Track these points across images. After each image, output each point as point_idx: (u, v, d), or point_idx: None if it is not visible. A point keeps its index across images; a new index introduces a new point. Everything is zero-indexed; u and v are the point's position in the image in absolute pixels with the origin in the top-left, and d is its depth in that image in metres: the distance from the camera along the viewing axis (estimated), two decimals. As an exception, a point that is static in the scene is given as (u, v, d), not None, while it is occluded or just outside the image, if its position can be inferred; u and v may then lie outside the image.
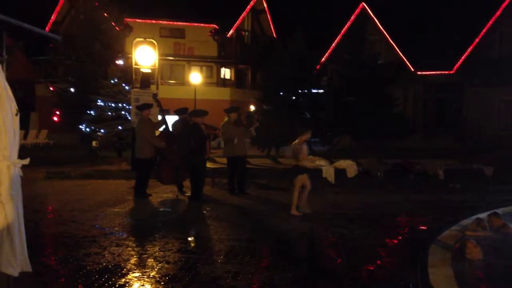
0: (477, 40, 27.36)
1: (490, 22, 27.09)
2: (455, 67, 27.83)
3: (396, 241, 7.85)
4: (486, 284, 5.57)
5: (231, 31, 33.99)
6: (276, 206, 10.71)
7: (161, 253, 6.75)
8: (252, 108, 30.67)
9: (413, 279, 5.57)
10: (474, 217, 8.53)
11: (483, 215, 8.96)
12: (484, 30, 27.25)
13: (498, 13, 26.91)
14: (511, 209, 10.14)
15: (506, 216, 8.81)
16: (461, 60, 27.70)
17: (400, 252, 7.26)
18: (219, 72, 35.01)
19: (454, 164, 17.40)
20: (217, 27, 33.37)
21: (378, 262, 6.56)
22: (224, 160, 12.74)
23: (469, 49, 27.51)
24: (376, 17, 29.93)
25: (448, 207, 10.76)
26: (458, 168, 16.56)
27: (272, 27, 37.89)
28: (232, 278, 5.69)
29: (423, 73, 28.84)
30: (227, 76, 35.84)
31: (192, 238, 7.91)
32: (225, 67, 35.46)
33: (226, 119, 12.48)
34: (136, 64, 15.84)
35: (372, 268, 6.22)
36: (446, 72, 28.12)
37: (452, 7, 27.51)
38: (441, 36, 27.47)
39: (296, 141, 10.04)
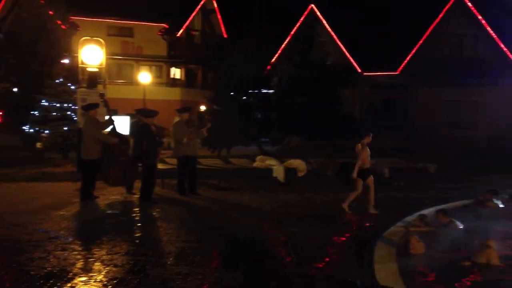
0: (421, 41, 28.22)
1: (434, 23, 27.99)
2: (400, 68, 28.63)
3: (344, 239, 8.01)
4: (429, 277, 5.76)
5: (181, 31, 33.74)
6: (227, 206, 10.72)
7: (108, 256, 6.63)
8: (202, 108, 30.55)
9: (359, 275, 5.70)
10: (418, 213, 8.81)
11: (426, 212, 9.29)
12: (428, 31, 28.13)
13: (441, 14, 27.85)
14: (455, 205, 10.55)
15: (451, 212, 9.13)
16: (405, 61, 28.50)
17: (348, 249, 7.41)
18: (169, 72, 34.67)
19: (399, 163, 17.90)
20: (166, 26, 33.04)
21: (327, 259, 6.68)
22: (174, 161, 12.63)
23: (413, 50, 28.34)
24: (324, 19, 30.39)
25: (394, 204, 11.08)
26: (403, 166, 17.06)
27: (222, 27, 37.87)
28: (181, 280, 5.66)
29: (370, 74, 29.51)
30: (177, 76, 35.53)
31: (141, 240, 7.79)
32: (175, 67, 35.15)
33: (176, 119, 12.37)
34: (82, 63, 15.47)
35: (320, 266, 6.33)
36: (392, 73, 28.88)
37: (397, 9, 28.25)
38: (387, 38, 28.18)
39: (359, 144, 10.16)
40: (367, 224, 8.99)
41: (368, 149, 10.17)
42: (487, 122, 26.88)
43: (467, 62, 27.26)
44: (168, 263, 6.36)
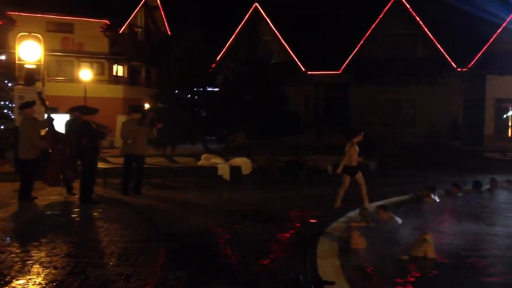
0: (362, 41, 28.93)
1: (374, 24, 28.75)
2: (342, 67, 29.24)
3: (288, 235, 8.11)
4: (369, 271, 5.93)
5: (123, 27, 33.05)
6: (171, 205, 10.62)
7: (47, 258, 6.42)
8: (146, 106, 30.07)
9: (303, 271, 5.78)
10: (359, 209, 9.03)
11: (367, 207, 9.53)
12: (368, 32, 28.87)
13: (381, 15, 28.64)
14: (394, 201, 10.89)
15: (390, 208, 9.42)
16: (347, 61, 29.13)
17: (292, 245, 7.50)
18: (111, 69, 33.89)
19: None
20: (108, 22, 32.27)
21: (271, 256, 6.74)
22: (117, 160, 12.38)
23: (355, 49, 29.00)
24: (268, 17, 30.61)
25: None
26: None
27: (166, 24, 37.39)
28: (124, 281, 5.55)
29: (313, 72, 29.97)
30: (120, 73, 34.79)
31: (82, 241, 7.58)
32: (117, 64, 34.39)
33: (120, 117, 12.13)
34: (19, 60, 14.94)
35: (265, 263, 6.37)
36: (334, 72, 29.45)
37: (340, 9, 28.84)
38: (330, 37, 28.69)
39: (349, 143, 10.28)
40: (311, 220, 9.12)
41: (357, 147, 10.30)
42: (424, 120, 27.87)
43: (405, 62, 28.20)
44: (110, 264, 6.23)
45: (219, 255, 6.90)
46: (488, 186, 12.33)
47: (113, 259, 6.42)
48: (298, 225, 8.93)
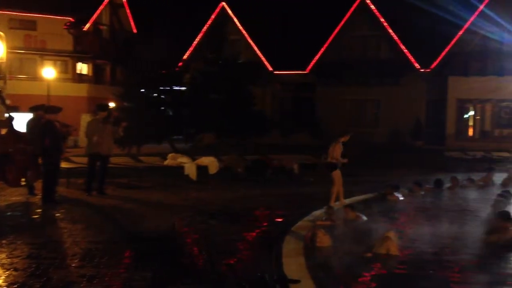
0: (328, 42, 29.22)
1: (340, 25, 29.09)
2: (309, 68, 29.46)
3: (254, 234, 8.13)
4: (333, 268, 6.00)
5: (87, 25, 32.50)
6: (136, 205, 10.50)
7: (8, 260, 6.27)
8: (112, 105, 29.64)
9: (268, 269, 5.81)
10: (324, 207, 9.11)
11: (333, 206, 9.64)
12: (334, 33, 29.19)
13: (346, 16, 28.99)
14: (360, 199, 11.04)
15: (355, 205, 9.54)
16: (313, 61, 29.38)
17: (258, 244, 7.53)
18: (75, 67, 33.28)
19: (308, 159, 18.47)
20: (72, 19, 31.68)
21: (237, 255, 6.75)
22: (81, 159, 12.18)
23: (321, 50, 29.27)
24: (236, 17, 30.60)
25: (303, 199, 11.39)
26: (312, 162, 17.60)
27: (131, 22, 36.94)
28: (87, 282, 5.47)
29: (281, 72, 30.10)
30: (84, 72, 34.20)
31: (44, 242, 7.42)
32: (81, 62, 33.79)
33: (85, 116, 11.93)
34: (-21, 57, 14.49)
35: (231, 262, 6.38)
36: (301, 72, 29.66)
37: (307, 10, 29.05)
38: (297, 37, 28.89)
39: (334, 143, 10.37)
40: (277, 219, 9.17)
41: (342, 147, 10.40)
42: (388, 120, 28.34)
43: (370, 63, 28.62)
44: (73, 265, 6.12)
45: (186, 255, 6.87)
46: (449, 184, 12.62)
47: (76, 260, 6.31)
48: (264, 224, 8.97)
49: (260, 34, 30.13)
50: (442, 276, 5.86)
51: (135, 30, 36.70)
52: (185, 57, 30.95)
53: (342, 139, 10.49)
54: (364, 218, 8.75)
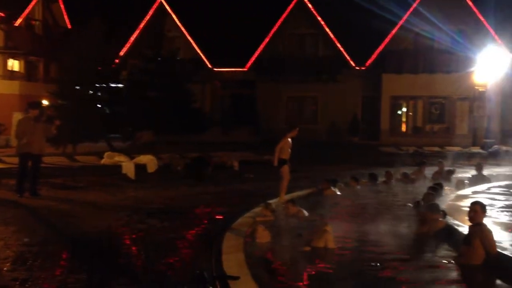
0: (266, 39, 29.44)
1: (278, 23, 29.37)
2: (248, 65, 29.59)
3: (194, 232, 8.09)
4: (273, 264, 6.07)
5: (19, 20, 31.17)
6: (72, 206, 10.22)
7: None
8: (45, 102, 28.61)
9: (208, 267, 5.81)
10: (264, 203, 9.19)
11: (272, 201, 9.75)
12: (272, 31, 29.44)
13: (284, 14, 29.30)
14: (298, 195, 11.19)
15: (297, 201, 9.68)
16: (253, 58, 29.54)
17: (198, 242, 7.51)
18: (6, 64, 31.85)
19: (248, 156, 18.58)
20: (2, 14, 30.28)
21: (177, 254, 6.70)
22: (13, 160, 11.70)
23: (259, 48, 29.46)
24: (174, 13, 30.25)
25: (243, 196, 11.46)
26: (252, 159, 17.72)
27: (66, 18, 35.76)
28: (20, 286, 5.28)
29: (220, 69, 30.06)
30: (16, 68, 32.79)
31: (-27, 247, 7.10)
32: (12, 59, 32.38)
33: (16, 114, 11.46)
34: None
35: (171, 261, 6.32)
36: (240, 69, 29.74)
37: (246, 7, 29.13)
38: (237, 35, 28.93)
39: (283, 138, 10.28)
40: (217, 217, 9.17)
41: (290, 142, 10.40)
42: (326, 117, 28.92)
43: (308, 60, 29.08)
44: (5, 269, 5.88)
45: (123, 255, 6.75)
46: (383, 179, 13.04)
47: (8, 264, 6.07)
48: (204, 222, 8.94)
49: (199, 31, 29.93)
50: (378, 267, 6.04)
51: (69, 26, 35.56)
52: (122, 53, 30.31)
53: (290, 135, 10.50)
54: (305, 212, 8.90)
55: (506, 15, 24.32)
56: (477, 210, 6.12)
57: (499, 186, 11.59)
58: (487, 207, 6.63)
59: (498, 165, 17.72)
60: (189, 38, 30.26)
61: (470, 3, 26.68)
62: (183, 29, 30.28)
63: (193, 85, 26.43)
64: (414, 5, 26.90)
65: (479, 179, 12.45)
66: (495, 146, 22.49)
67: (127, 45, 30.41)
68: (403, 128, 29.13)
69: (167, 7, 30.45)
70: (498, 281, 5.52)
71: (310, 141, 24.42)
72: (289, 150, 10.57)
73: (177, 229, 8.10)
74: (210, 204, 10.44)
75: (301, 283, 5.39)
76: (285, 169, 10.52)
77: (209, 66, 30.12)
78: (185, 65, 26.38)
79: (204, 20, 29.68)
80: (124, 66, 28.76)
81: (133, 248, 7.10)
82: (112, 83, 23.23)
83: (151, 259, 6.41)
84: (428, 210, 7.80)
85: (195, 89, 27.13)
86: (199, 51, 30.22)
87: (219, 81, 30.82)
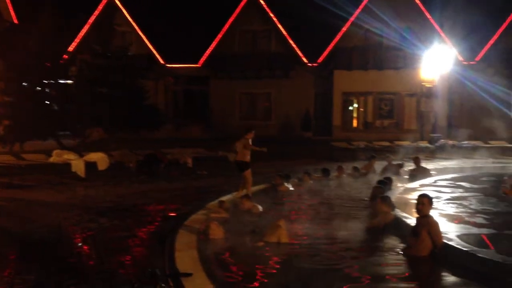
0: (220, 35, 29.33)
1: (230, 20, 29.31)
2: (201, 61, 29.42)
3: (146, 230, 8.00)
4: (226, 260, 6.09)
5: (-40, 13, 29.90)
6: (20, 205, 9.92)
7: None
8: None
9: (161, 265, 5.76)
10: (218, 200, 9.19)
11: (226, 198, 9.76)
12: (225, 27, 29.36)
13: (237, 10, 29.25)
14: (252, 190, 11.19)
15: (252, 197, 9.72)
16: (206, 54, 29.38)
17: (150, 240, 7.43)
18: None
19: (202, 152, 18.50)
20: None
21: (128, 252, 6.60)
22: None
23: (213, 44, 29.33)
24: (124, 8, 29.69)
25: (197, 193, 11.39)
26: (205, 156, 17.65)
27: (11, 11, 34.50)
28: (-37, 290, 5.09)
29: (173, 65, 29.74)
30: (-42, 64, 31.43)
31: None
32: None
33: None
34: None
35: (122, 259, 6.23)
36: (194, 65, 29.53)
37: (199, 2, 28.91)
38: (189, 30, 28.68)
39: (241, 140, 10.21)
40: (170, 214, 9.09)
41: (249, 144, 10.36)
42: (279, 113, 29.13)
43: (261, 56, 29.17)
44: None
45: (73, 255, 6.59)
46: (335, 173, 13.25)
47: (-50, 268, 5.84)
48: (157, 219, 8.83)
49: (152, 26, 29.49)
50: (330, 259, 6.14)
51: (16, 20, 34.33)
52: (71, 49, 29.53)
53: (248, 136, 10.49)
54: (260, 208, 8.95)
55: (451, 12, 25.12)
56: (425, 203, 6.32)
57: (445, 179, 11.99)
58: (434, 200, 6.86)
59: (444, 158, 18.35)
60: (140, 33, 29.78)
61: (417, 1, 27.40)
62: (134, 24, 29.77)
63: (146, 81, 26.05)
64: (365, 1, 27.38)
65: (418, 172, 12.77)
66: (442, 141, 23.24)
67: (77, 40, 29.64)
68: (354, 123, 29.66)
69: (117, 2, 29.86)
70: (444, 271, 5.72)
71: (264, 137, 24.51)
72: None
73: (129, 227, 7.98)
74: (163, 201, 10.33)
75: (253, 278, 5.42)
76: (248, 172, 10.48)
77: (162, 62, 29.76)
78: (137, 61, 25.95)
79: (156, 15, 29.26)
80: (74, 61, 28.06)
81: (84, 247, 6.95)
82: (61, 79, 22.61)
83: (101, 258, 6.30)
84: (378, 203, 7.99)
85: (148, 85, 26.73)
86: (151, 46, 29.79)
87: (172, 77, 30.50)
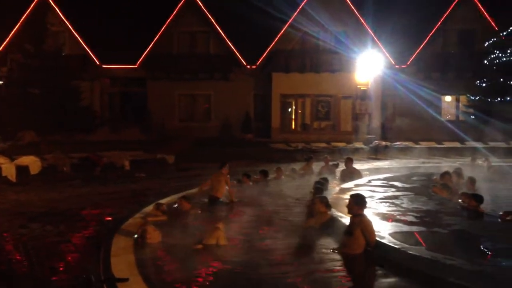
0: (157, 36, 28.93)
1: (168, 20, 28.95)
2: (139, 62, 28.93)
3: (81, 235, 7.79)
4: (163, 264, 6.03)
5: None
6: None
7: None
8: None
9: (96, 270, 5.63)
10: (155, 203, 9.07)
11: (164, 200, 9.65)
12: (163, 28, 28.98)
13: (175, 11, 28.95)
14: (191, 193, 11.13)
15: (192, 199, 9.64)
16: (143, 56, 28.91)
17: (85, 246, 7.24)
18: None
19: (140, 155, 18.19)
20: None
21: (62, 258, 6.41)
22: None
23: (150, 45, 28.90)
24: (57, 7, 28.74)
25: (134, 196, 11.21)
26: (143, 158, 17.39)
27: None
28: None
29: (109, 66, 29.07)
30: None
31: None
32: None
33: None
34: None
35: (55, 266, 6.04)
36: (131, 66, 28.99)
37: (136, 3, 28.43)
38: (126, 31, 28.12)
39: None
40: (106, 218, 8.90)
41: (229, 182, 10.27)
42: (219, 115, 29.11)
43: (200, 58, 29.09)
44: None
45: (3, 262, 6.33)
46: (274, 175, 13.39)
47: None
48: (92, 224, 8.62)
49: (86, 26, 28.67)
50: (268, 259, 6.21)
51: None
52: (1, 48, 28.33)
53: (225, 172, 10.40)
54: (199, 210, 8.92)
55: (384, 17, 25.98)
56: (353, 202, 6.54)
57: (379, 179, 12.38)
58: (367, 199, 7.08)
59: (378, 159, 18.97)
60: (74, 33, 28.91)
61: (351, 6, 28.13)
62: (68, 23, 28.87)
63: (81, 82, 25.37)
64: (302, 5, 27.82)
65: (349, 173, 13.13)
66: (376, 142, 23.97)
67: (7, 40, 28.43)
68: (293, 125, 30.06)
69: (50, 0, 28.87)
70: (378, 268, 5.91)
71: (203, 139, 24.50)
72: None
73: (62, 233, 7.76)
74: (99, 205, 10.10)
75: (191, 282, 5.39)
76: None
77: (97, 62, 29.01)
78: (71, 61, 25.22)
79: (91, 15, 28.51)
80: (4, 62, 26.92)
81: (15, 254, 6.67)
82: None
83: (33, 264, 6.08)
84: (316, 203, 8.14)
85: (83, 86, 26.05)
86: (86, 47, 28.98)
87: (108, 78, 29.80)
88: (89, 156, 15.87)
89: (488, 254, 6.19)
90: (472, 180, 10.44)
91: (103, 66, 29.07)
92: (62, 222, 8.56)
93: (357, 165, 14.97)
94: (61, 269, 5.95)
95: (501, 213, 7.91)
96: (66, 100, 22.39)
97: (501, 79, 23.98)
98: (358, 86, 25.61)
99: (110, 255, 6.23)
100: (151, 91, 29.20)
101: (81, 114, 22.93)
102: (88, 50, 28.93)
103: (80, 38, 28.88)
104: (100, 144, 21.10)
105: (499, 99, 23.86)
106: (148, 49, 28.94)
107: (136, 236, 7.16)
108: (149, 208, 9.15)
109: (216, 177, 10.29)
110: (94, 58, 28.97)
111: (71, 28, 28.86)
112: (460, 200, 8.84)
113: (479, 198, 8.36)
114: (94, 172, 14.79)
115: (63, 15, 28.76)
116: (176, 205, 9.26)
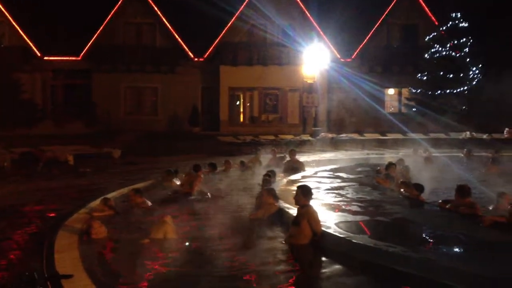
0: (101, 27, 28.21)
1: (113, 11, 28.29)
2: (82, 54, 28.17)
3: (23, 232, 7.54)
4: (109, 259, 5.95)
5: None
6: None
7: None
8: None
9: (39, 268, 5.49)
10: (101, 198, 8.90)
11: (111, 195, 9.48)
12: (107, 19, 28.28)
13: (120, 1, 28.31)
14: (145, 186, 10.99)
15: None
16: (87, 47, 28.16)
17: (28, 243, 7.02)
18: None
19: (85, 149, 17.77)
20: None
21: (3, 256, 6.21)
22: None
23: (94, 36, 28.18)
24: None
25: (79, 191, 10.96)
26: (88, 152, 16.99)
27: None
28: None
29: (51, 58, 28.15)
30: None
31: None
32: None
33: None
34: None
35: (-5, 265, 5.85)
36: (74, 58, 28.19)
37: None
38: (69, 22, 27.27)
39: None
40: (49, 214, 8.67)
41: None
42: (166, 108, 28.79)
43: (146, 50, 28.63)
44: None
45: None
46: (223, 168, 13.41)
47: None
48: (35, 220, 8.36)
49: (27, 17, 27.65)
50: (217, 251, 6.23)
51: None
52: None
53: (200, 174, 10.83)
54: (149, 203, 8.82)
55: (329, 11, 26.38)
56: (303, 193, 6.65)
57: (325, 170, 12.63)
58: (314, 190, 7.22)
59: (324, 151, 19.30)
60: (14, 23, 27.81)
61: (298, -1, 28.40)
62: (7, 13, 27.73)
63: (21, 74, 24.47)
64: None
65: (292, 164, 13.32)
66: (322, 134, 24.39)
67: None
68: (241, 118, 30.12)
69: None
70: (323, 258, 6.05)
71: (151, 132, 24.19)
72: None
73: (3, 230, 7.50)
74: (42, 201, 9.81)
75: (137, 276, 5.35)
76: None
77: (39, 54, 28.03)
78: (11, 53, 24.28)
79: (32, 5, 27.47)
80: None
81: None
82: None
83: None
84: (264, 195, 8.22)
85: (24, 79, 25.16)
86: (26, 38, 27.93)
87: (51, 71, 28.85)
88: (31, 151, 15.37)
89: (429, 241, 6.45)
90: (406, 169, 10.99)
91: (45, 58, 28.12)
92: (3, 219, 8.27)
93: (304, 157, 15.22)
94: (2, 267, 5.76)
95: (440, 201, 8.27)
96: (6, 93, 21.57)
97: (441, 73, 24.88)
98: (305, 79, 25.91)
99: (54, 252, 6.08)
100: (96, 84, 28.50)
101: (21, 108, 22.15)
102: (29, 42, 27.91)
103: (20, 29, 27.80)
104: (43, 138, 20.47)
105: (439, 92, 24.76)
106: (91, 41, 28.20)
107: (81, 232, 7.02)
108: (95, 203, 8.96)
109: (190, 178, 10.63)
110: (35, 50, 27.97)
111: (10, 19, 27.74)
112: (402, 190, 9.14)
113: (420, 188, 8.69)
114: (37, 167, 14.33)
115: (2, 5, 27.61)
116: (125, 199, 9.12)
